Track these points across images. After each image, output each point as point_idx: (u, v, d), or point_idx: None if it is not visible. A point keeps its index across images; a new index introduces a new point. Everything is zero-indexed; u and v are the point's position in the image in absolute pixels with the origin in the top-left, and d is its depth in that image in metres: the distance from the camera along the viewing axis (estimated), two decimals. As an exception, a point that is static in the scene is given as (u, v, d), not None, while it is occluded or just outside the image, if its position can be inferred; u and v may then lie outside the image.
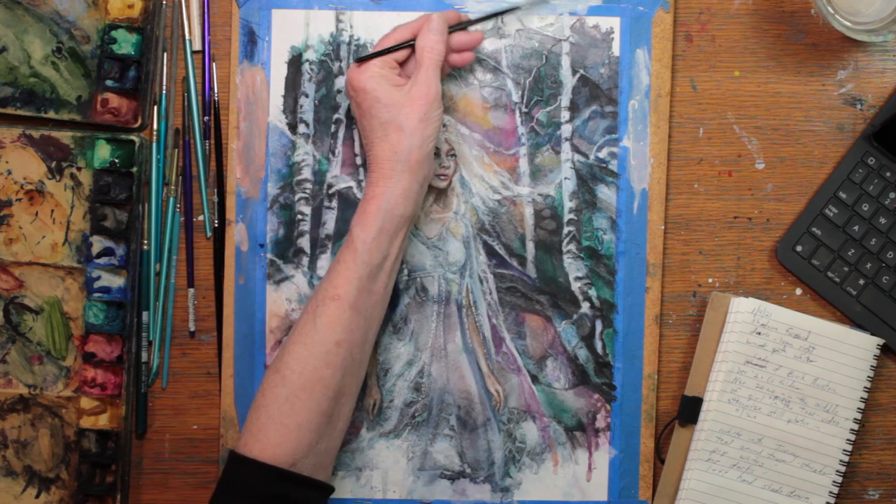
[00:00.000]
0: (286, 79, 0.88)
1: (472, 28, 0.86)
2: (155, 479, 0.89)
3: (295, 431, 0.76)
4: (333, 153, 0.89)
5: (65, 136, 0.87)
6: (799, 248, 0.89)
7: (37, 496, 0.88)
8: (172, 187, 0.89)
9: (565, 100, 0.88)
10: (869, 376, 0.87)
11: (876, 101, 0.90)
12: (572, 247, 0.89)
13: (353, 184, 0.88)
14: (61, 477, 0.88)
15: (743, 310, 0.86)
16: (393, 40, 0.81)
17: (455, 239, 0.89)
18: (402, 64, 0.82)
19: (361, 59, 0.81)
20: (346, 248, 0.78)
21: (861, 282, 0.89)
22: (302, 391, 0.76)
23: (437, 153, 0.88)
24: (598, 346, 0.89)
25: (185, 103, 0.89)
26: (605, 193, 0.89)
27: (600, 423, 0.89)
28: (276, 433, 0.76)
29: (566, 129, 0.89)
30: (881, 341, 0.88)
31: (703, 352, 0.88)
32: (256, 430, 0.77)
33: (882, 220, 0.88)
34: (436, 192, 0.89)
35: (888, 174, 0.88)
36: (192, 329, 0.90)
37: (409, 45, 0.81)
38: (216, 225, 0.89)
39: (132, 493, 0.89)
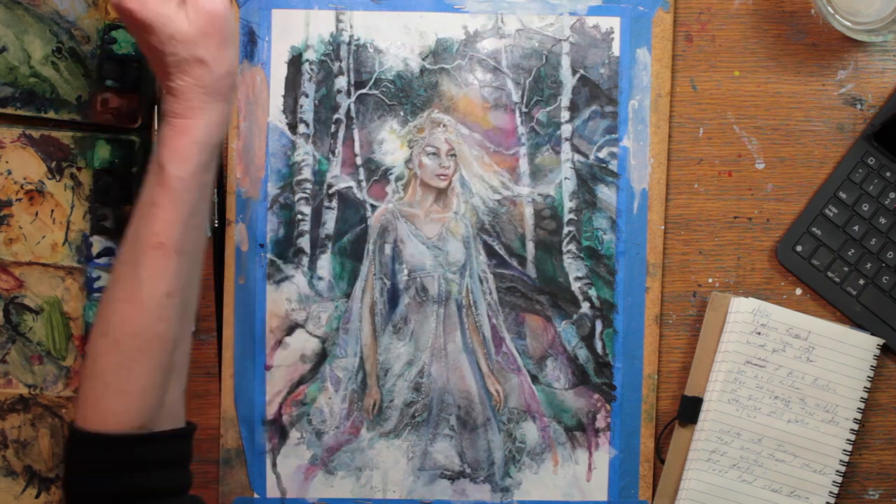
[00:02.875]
0: (286, 79, 0.88)
1: None
2: (155, 479, 0.89)
3: (138, 395, 0.69)
4: (333, 153, 0.89)
5: (65, 136, 0.87)
6: (799, 248, 0.89)
7: (37, 496, 0.88)
8: (172, 187, 0.89)
9: (565, 100, 0.88)
10: (869, 376, 0.87)
11: (876, 101, 0.90)
12: (572, 247, 0.89)
13: (353, 184, 0.88)
14: (61, 477, 0.88)
15: (743, 310, 0.86)
16: None
17: (455, 239, 0.89)
18: None
19: None
20: (160, 188, 0.69)
21: (861, 282, 0.89)
22: (138, 353, 0.69)
23: (436, 153, 0.89)
24: (598, 346, 0.89)
25: (185, 103, 0.89)
26: (605, 193, 0.89)
27: (600, 423, 0.89)
28: (117, 402, 0.68)
29: (566, 129, 0.89)
30: (881, 341, 0.88)
31: (703, 352, 0.88)
32: (94, 402, 0.69)
33: (882, 220, 0.88)
34: (436, 192, 0.89)
35: (888, 174, 0.88)
36: (192, 329, 0.89)
37: None
38: (216, 225, 0.89)
39: (132, 493, 0.89)
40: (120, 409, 0.68)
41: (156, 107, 0.88)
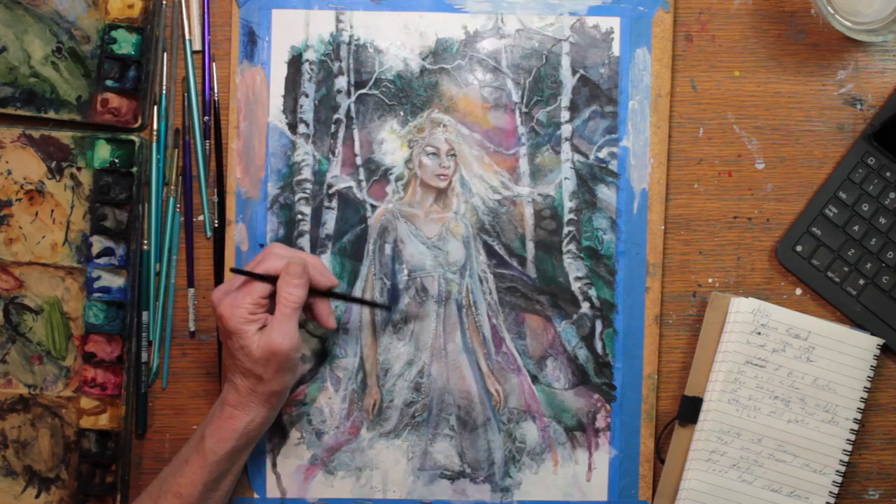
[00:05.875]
0: (286, 79, 0.88)
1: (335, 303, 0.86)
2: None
3: None
4: (333, 153, 0.89)
5: (65, 136, 0.87)
6: (799, 248, 0.89)
7: (37, 496, 0.88)
8: (172, 187, 0.89)
9: (565, 100, 0.88)
10: (869, 376, 0.87)
11: (876, 101, 0.90)
12: (572, 247, 0.89)
13: (352, 184, 0.88)
14: (61, 477, 0.88)
15: (743, 310, 0.86)
16: (263, 268, 0.80)
17: (455, 239, 0.89)
18: (272, 294, 0.80)
19: (235, 272, 0.80)
20: (197, 451, 0.80)
21: (861, 282, 0.89)
22: None
23: (436, 153, 0.89)
24: (598, 346, 0.89)
25: (185, 103, 0.89)
26: (605, 193, 0.89)
27: (600, 423, 0.89)
28: None
29: (566, 129, 0.89)
30: (881, 341, 0.88)
31: (703, 352, 0.88)
32: None
33: (882, 220, 0.88)
34: (436, 192, 0.89)
35: (888, 174, 0.88)
36: (192, 329, 0.90)
37: (273, 280, 0.79)
38: (216, 225, 0.89)
39: (132, 493, 0.89)
40: None
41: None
